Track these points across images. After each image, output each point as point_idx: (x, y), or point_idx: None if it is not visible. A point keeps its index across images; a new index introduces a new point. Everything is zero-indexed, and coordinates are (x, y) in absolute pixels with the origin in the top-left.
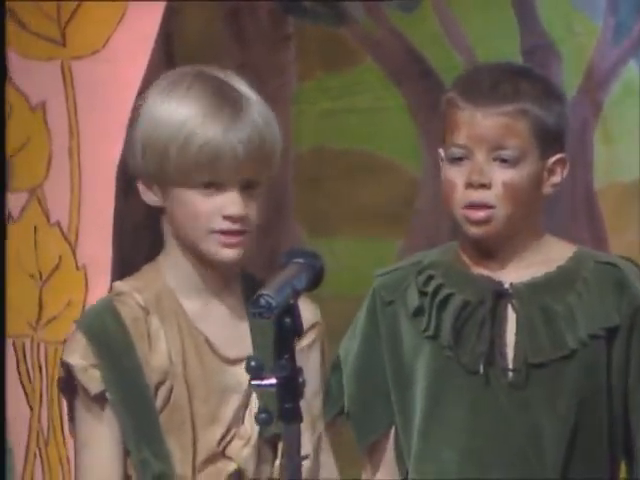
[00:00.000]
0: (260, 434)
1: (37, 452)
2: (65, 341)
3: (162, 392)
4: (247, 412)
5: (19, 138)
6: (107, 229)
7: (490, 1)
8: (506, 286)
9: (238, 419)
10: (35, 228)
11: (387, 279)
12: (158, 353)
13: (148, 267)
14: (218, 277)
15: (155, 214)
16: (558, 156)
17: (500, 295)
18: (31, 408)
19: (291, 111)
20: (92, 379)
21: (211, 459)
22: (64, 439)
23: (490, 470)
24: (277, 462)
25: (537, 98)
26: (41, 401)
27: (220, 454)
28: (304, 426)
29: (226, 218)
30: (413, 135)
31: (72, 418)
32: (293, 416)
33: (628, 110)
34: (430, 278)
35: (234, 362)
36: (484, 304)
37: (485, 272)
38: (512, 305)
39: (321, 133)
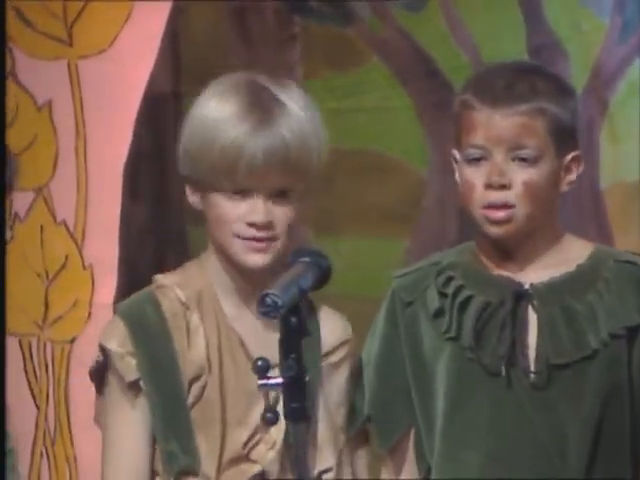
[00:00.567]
0: (285, 440)
1: (44, 451)
2: (73, 340)
3: (195, 388)
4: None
5: (25, 137)
6: (113, 228)
7: (496, 0)
8: (526, 287)
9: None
10: (41, 227)
11: (406, 280)
12: (195, 349)
13: (191, 264)
14: (251, 280)
15: (159, 217)
16: (573, 153)
17: (520, 296)
18: (38, 407)
19: None
20: (128, 366)
21: (236, 460)
22: (71, 438)
23: (513, 471)
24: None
25: (552, 96)
26: (47, 400)
27: (245, 457)
28: (326, 439)
29: (250, 225)
30: (419, 134)
31: (100, 403)
32: (300, 416)
33: (634, 109)
34: (450, 279)
35: None
36: (504, 305)
37: (505, 273)
38: (532, 306)
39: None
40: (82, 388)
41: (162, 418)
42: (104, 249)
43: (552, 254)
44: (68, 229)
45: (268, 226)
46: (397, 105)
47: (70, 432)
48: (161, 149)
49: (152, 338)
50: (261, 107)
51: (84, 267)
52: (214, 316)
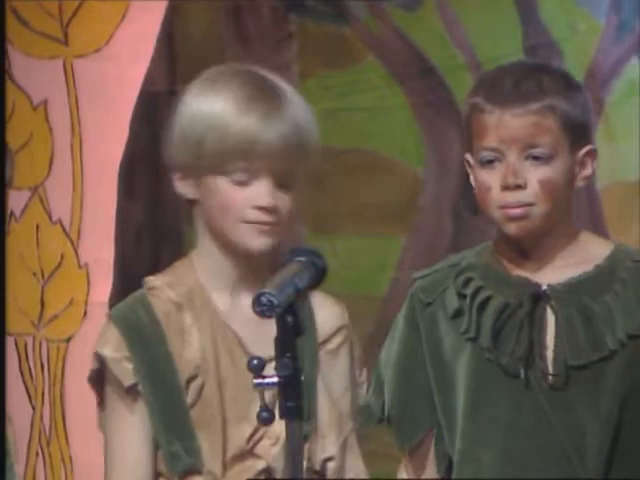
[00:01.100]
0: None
1: (39, 451)
2: (69, 339)
3: (193, 388)
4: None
5: (21, 136)
6: (109, 227)
7: (492, 0)
8: (544, 288)
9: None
10: (37, 226)
11: (425, 281)
12: (191, 348)
13: (179, 263)
14: (249, 272)
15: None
16: (587, 148)
17: (538, 297)
18: (33, 407)
19: None
20: (125, 371)
21: (240, 457)
22: (66, 438)
23: (531, 472)
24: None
25: (561, 92)
26: (43, 400)
27: (249, 452)
28: (328, 427)
29: (257, 208)
30: (415, 134)
31: (102, 410)
32: (295, 415)
33: (630, 109)
34: (469, 280)
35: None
36: (522, 306)
37: (522, 273)
38: (550, 307)
39: (323, 131)
40: (78, 387)
41: (162, 420)
42: (100, 248)
43: (570, 253)
44: (64, 228)
45: (274, 210)
46: (393, 104)
47: (65, 432)
48: (157, 148)
49: (147, 341)
50: (269, 93)
51: (80, 266)
52: (207, 314)
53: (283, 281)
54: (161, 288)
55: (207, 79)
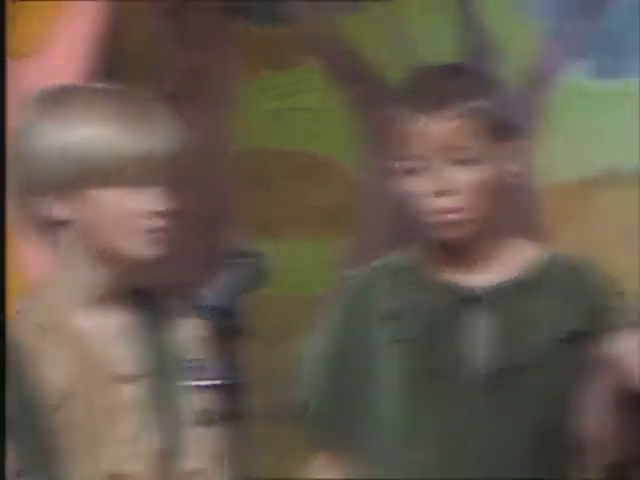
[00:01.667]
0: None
1: None
2: None
3: (59, 413)
4: (145, 429)
5: None
6: None
7: (433, 2)
8: (475, 291)
9: (137, 437)
10: None
11: (357, 281)
12: (54, 373)
13: (43, 285)
14: (117, 290)
15: None
16: (512, 144)
17: (469, 300)
18: None
19: (235, 111)
20: None
21: (114, 478)
22: None
23: (464, 473)
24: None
25: (481, 93)
26: None
27: (121, 473)
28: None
29: (154, 214)
30: (356, 136)
31: None
32: (233, 417)
33: (569, 111)
34: (400, 281)
35: (129, 379)
36: (454, 309)
37: (454, 277)
38: (481, 310)
39: (265, 133)
40: None
41: (27, 449)
42: None
43: (501, 257)
44: None
45: (166, 215)
46: (334, 106)
47: None
48: None
49: (10, 369)
50: (137, 107)
51: None
52: (70, 335)
53: (221, 284)
54: (22, 312)
55: (67, 100)
